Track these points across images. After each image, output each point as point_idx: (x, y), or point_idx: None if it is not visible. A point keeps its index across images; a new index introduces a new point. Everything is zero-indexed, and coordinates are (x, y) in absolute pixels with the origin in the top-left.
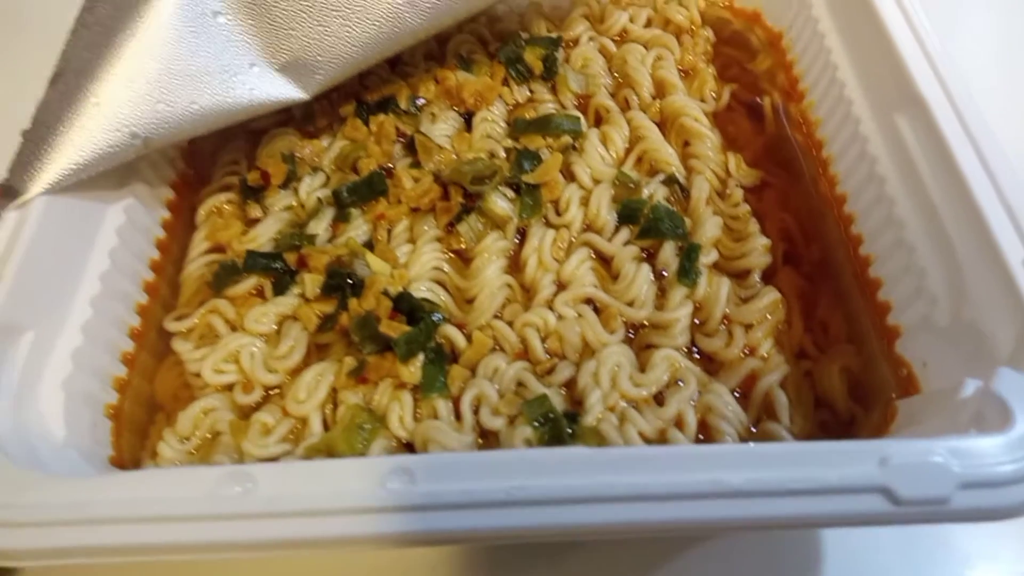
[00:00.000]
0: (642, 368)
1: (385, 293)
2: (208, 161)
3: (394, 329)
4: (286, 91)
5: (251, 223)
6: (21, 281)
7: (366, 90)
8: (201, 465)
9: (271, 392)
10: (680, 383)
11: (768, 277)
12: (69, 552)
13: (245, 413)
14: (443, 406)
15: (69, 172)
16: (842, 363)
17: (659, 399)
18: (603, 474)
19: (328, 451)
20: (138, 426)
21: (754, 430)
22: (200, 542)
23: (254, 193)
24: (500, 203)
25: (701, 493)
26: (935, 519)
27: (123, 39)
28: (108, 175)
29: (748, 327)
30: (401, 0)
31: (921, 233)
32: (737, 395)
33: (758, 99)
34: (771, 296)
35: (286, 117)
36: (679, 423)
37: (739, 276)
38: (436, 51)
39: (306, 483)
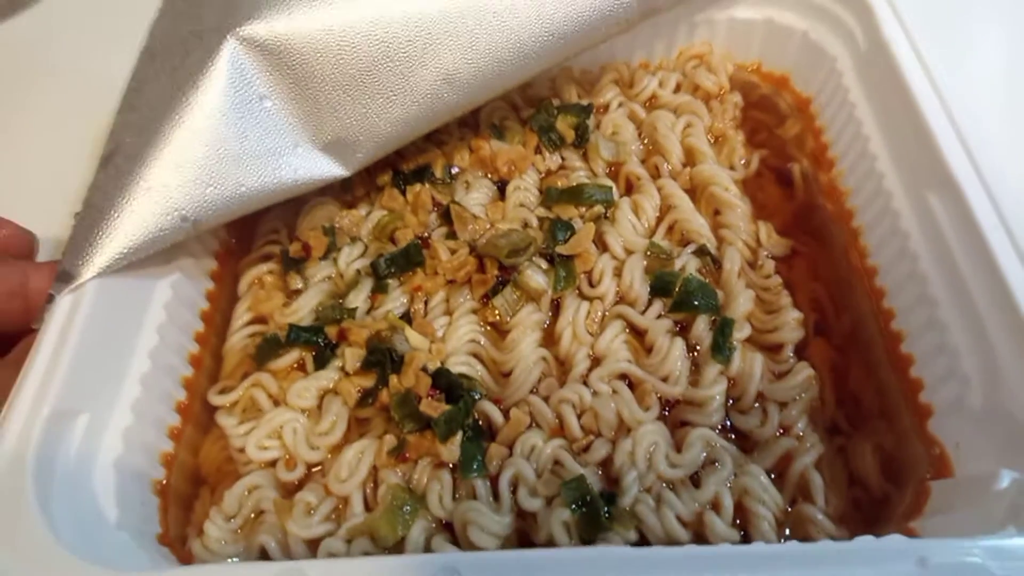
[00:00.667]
0: (677, 447)
1: (423, 369)
2: (249, 229)
3: (433, 408)
4: (328, 169)
5: (292, 294)
6: (76, 366)
7: (402, 159)
8: (256, 563)
9: (313, 469)
10: (716, 463)
11: (799, 348)
12: None
13: (288, 490)
14: (481, 486)
15: (121, 256)
16: (875, 440)
17: (695, 479)
18: (642, 573)
19: (370, 532)
20: (183, 500)
21: (789, 511)
22: None
23: (295, 264)
24: (536, 277)
25: None
26: None
27: (172, 124)
28: (156, 251)
29: (783, 405)
30: (439, 79)
31: (954, 313)
32: (772, 476)
33: (788, 165)
34: (805, 373)
35: (325, 187)
36: (715, 506)
37: (772, 350)
38: (469, 119)
39: None
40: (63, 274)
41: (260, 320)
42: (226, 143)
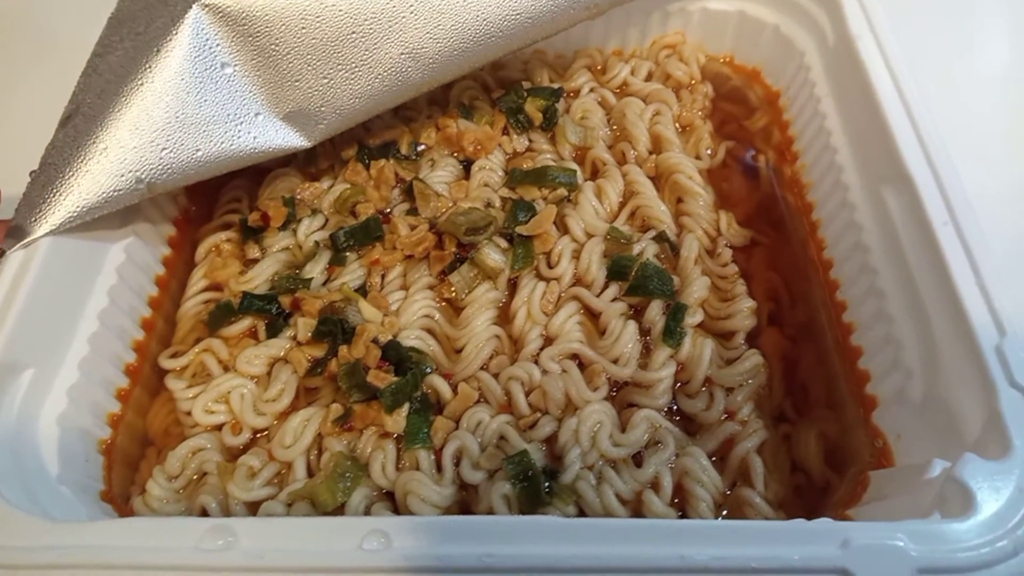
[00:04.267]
0: (623, 427)
1: (375, 341)
2: (210, 197)
3: (381, 380)
4: (290, 139)
5: (249, 263)
6: (24, 321)
7: (368, 133)
8: (188, 517)
9: (259, 435)
10: (659, 444)
11: (753, 336)
12: None
13: (233, 454)
14: (425, 457)
15: (74, 215)
16: (820, 429)
17: (637, 459)
18: (572, 545)
19: (311, 498)
20: (129, 460)
21: (728, 494)
22: None
23: (253, 233)
24: (493, 255)
25: (667, 568)
26: None
27: (132, 87)
28: (112, 214)
29: (729, 390)
30: (404, 54)
31: (901, 306)
32: (714, 459)
33: (753, 157)
34: (754, 360)
35: (289, 157)
36: (655, 485)
37: (724, 337)
38: (439, 96)
39: (285, 540)
40: (15, 229)
41: (215, 287)
42: (184, 108)
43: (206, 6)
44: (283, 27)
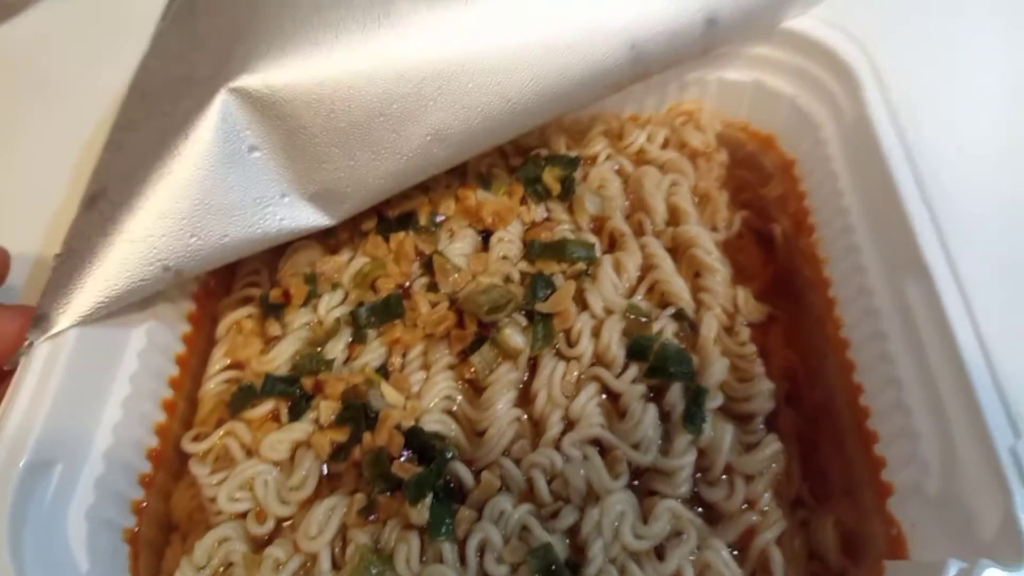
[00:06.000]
0: (644, 516)
1: (397, 427)
2: (229, 270)
3: (405, 470)
4: (314, 219)
5: (270, 340)
6: (53, 416)
7: (388, 205)
8: None
9: (283, 523)
10: (681, 535)
11: (771, 417)
12: None
13: (258, 543)
14: (449, 549)
15: (102, 305)
16: (837, 516)
17: (659, 551)
18: None
19: None
20: (154, 547)
21: None
22: None
23: (275, 310)
24: (515, 337)
25: None
26: None
27: (159, 174)
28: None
29: (749, 478)
30: (429, 135)
31: (919, 398)
32: (733, 551)
33: (769, 227)
34: (774, 447)
35: None
36: None
37: (742, 419)
38: (457, 165)
39: None
40: (41, 318)
41: (237, 366)
42: (213, 195)
43: (234, 90)
44: (311, 110)
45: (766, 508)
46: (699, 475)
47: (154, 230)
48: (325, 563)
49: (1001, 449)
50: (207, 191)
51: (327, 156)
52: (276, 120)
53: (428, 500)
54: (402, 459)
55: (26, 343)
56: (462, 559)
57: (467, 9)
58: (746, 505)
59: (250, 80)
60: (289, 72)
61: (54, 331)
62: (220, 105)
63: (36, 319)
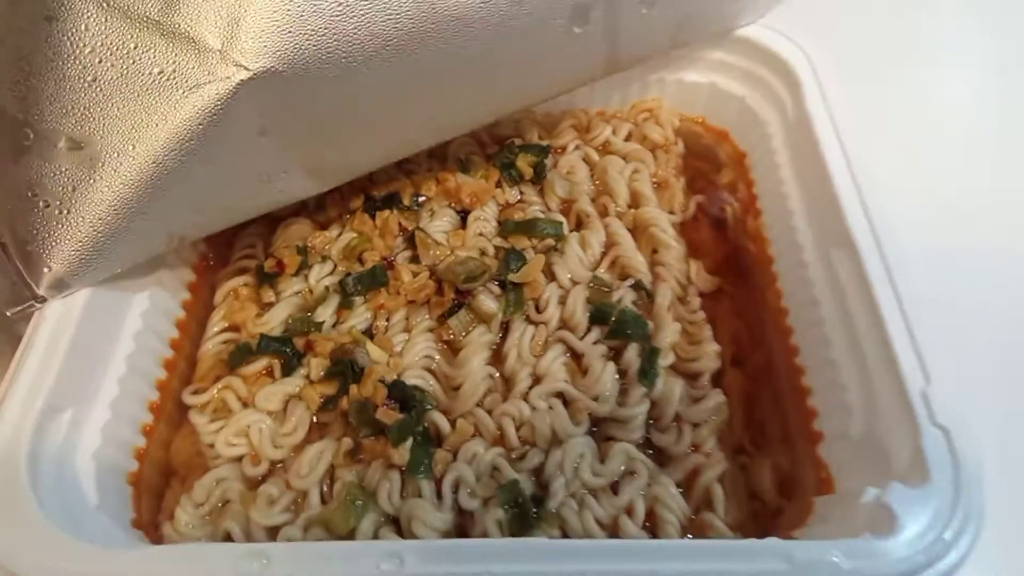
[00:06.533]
0: (602, 458)
1: (381, 381)
2: (227, 244)
3: (388, 416)
4: (308, 188)
5: (265, 306)
6: (63, 368)
7: (373, 185)
8: (225, 543)
9: (276, 465)
10: (634, 474)
11: (717, 376)
12: None
13: (252, 484)
14: (427, 486)
15: (113, 268)
16: (773, 461)
17: (614, 487)
18: (558, 563)
19: (325, 523)
20: (155, 490)
21: (693, 518)
22: None
23: (269, 279)
24: (488, 302)
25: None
26: None
27: (177, 159)
28: (138, 264)
29: (696, 425)
30: (422, 125)
31: (845, 353)
32: (680, 488)
33: (721, 210)
34: (717, 399)
35: (300, 207)
36: (630, 511)
37: (691, 377)
38: (438, 152)
39: (314, 562)
40: (57, 281)
41: (234, 329)
42: (222, 172)
43: (253, 79)
44: (325, 106)
45: (709, 451)
46: (651, 423)
47: (164, 205)
48: (315, 498)
49: (913, 393)
50: (218, 171)
51: (331, 141)
52: (290, 107)
53: (409, 443)
54: (385, 407)
55: (41, 300)
56: (439, 495)
57: None
58: (692, 449)
59: (264, 63)
60: (301, 55)
61: (68, 293)
62: (235, 92)
63: (54, 281)
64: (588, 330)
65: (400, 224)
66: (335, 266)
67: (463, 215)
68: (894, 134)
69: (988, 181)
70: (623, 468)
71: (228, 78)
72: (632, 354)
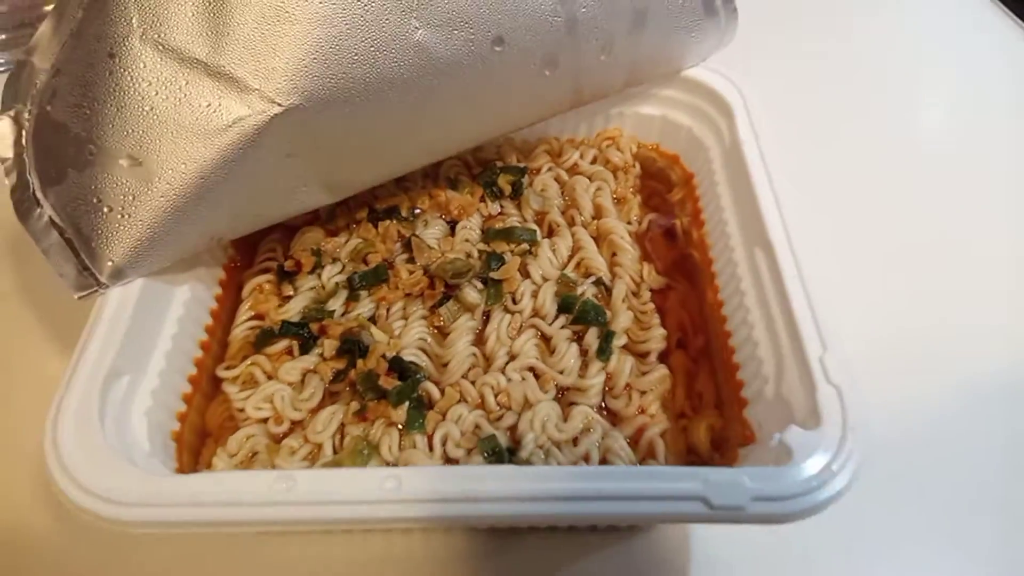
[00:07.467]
0: (565, 419)
1: (383, 356)
2: (251, 248)
3: (389, 383)
4: (323, 200)
5: (285, 299)
6: (124, 341)
7: (376, 199)
8: (259, 470)
9: (296, 425)
10: (591, 430)
11: (664, 356)
12: (170, 524)
13: (276, 439)
14: (420, 440)
15: (163, 263)
16: (708, 422)
17: (575, 442)
18: (528, 482)
19: (337, 467)
20: (193, 448)
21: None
22: (260, 519)
23: (288, 276)
24: (472, 294)
25: (586, 495)
26: (737, 520)
27: (219, 180)
28: (180, 262)
29: (643, 393)
30: (420, 149)
31: (763, 332)
32: (629, 441)
33: (672, 223)
34: (661, 372)
35: (313, 216)
36: (587, 459)
37: (641, 356)
38: (431, 172)
39: (331, 483)
40: (116, 271)
41: (259, 317)
42: (255, 188)
43: (284, 112)
44: (340, 133)
45: (654, 413)
46: (607, 391)
47: (208, 215)
48: (328, 449)
49: (813, 359)
50: (252, 187)
51: (345, 164)
52: (312, 136)
53: (406, 405)
54: (387, 377)
55: (104, 287)
56: (430, 447)
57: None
58: (639, 411)
59: (294, 100)
60: (323, 94)
61: (126, 282)
62: (268, 123)
63: (113, 271)
64: (556, 318)
65: (399, 232)
66: (344, 266)
67: (452, 225)
68: (806, 152)
69: (876, 187)
70: (582, 426)
71: (264, 112)
72: (592, 336)
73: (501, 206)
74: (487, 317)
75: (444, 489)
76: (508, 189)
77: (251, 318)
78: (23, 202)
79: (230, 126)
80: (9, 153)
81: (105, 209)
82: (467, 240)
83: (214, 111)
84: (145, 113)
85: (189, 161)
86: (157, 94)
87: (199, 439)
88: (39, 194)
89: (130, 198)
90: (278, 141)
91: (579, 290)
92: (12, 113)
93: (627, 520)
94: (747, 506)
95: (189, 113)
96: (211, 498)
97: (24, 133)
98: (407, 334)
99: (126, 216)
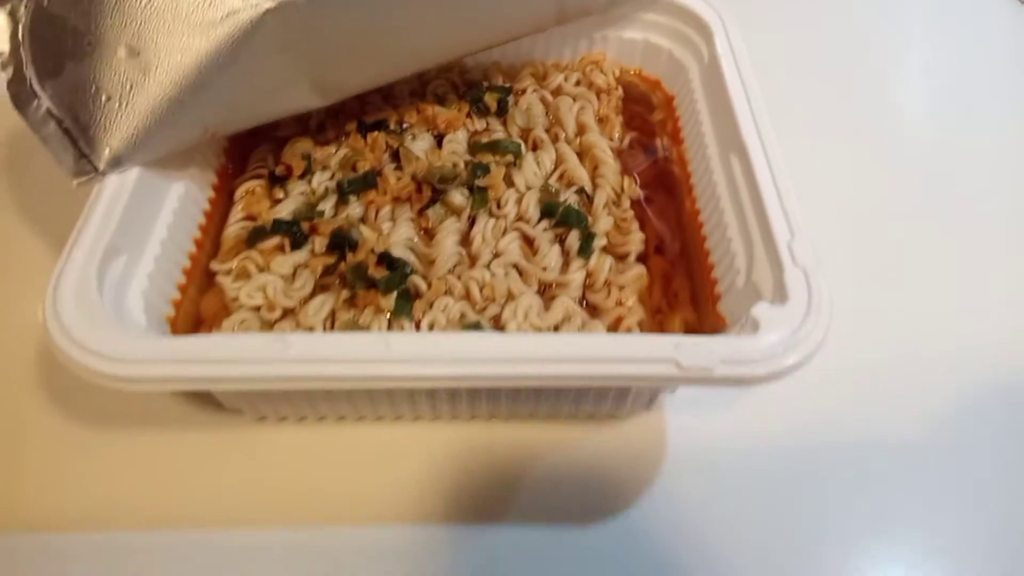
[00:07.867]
0: (547, 310)
1: (372, 251)
2: (242, 157)
3: (379, 272)
4: (313, 102)
5: (276, 202)
6: (124, 220)
7: (365, 113)
8: (255, 332)
9: (288, 312)
10: (571, 320)
11: (642, 260)
12: (169, 380)
13: (268, 326)
14: (408, 326)
15: (159, 153)
16: (682, 316)
17: (556, 330)
18: (506, 345)
19: None
20: (187, 333)
21: None
22: (258, 376)
23: (279, 180)
24: (458, 198)
25: (565, 357)
26: (705, 381)
27: (214, 73)
28: (174, 159)
29: (621, 288)
30: (408, 55)
31: (736, 230)
32: (608, 331)
33: (653, 142)
34: (638, 269)
35: (303, 128)
36: None
37: (621, 258)
38: (419, 89)
39: (322, 345)
40: (115, 159)
41: (251, 218)
42: (250, 82)
43: (277, 7)
44: (329, 31)
45: (631, 306)
46: (587, 287)
47: (203, 106)
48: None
49: (781, 245)
50: (247, 82)
51: (338, 65)
52: (300, 30)
53: (395, 294)
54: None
55: (103, 173)
56: (418, 331)
57: None
58: (617, 303)
59: None
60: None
61: (123, 169)
62: (261, 22)
63: (111, 159)
64: (539, 221)
65: (387, 143)
66: (333, 173)
67: (439, 139)
68: (781, 66)
69: (848, 100)
70: (562, 316)
71: (257, 6)
72: (573, 238)
73: (487, 122)
74: (472, 222)
75: (431, 351)
76: (494, 106)
77: (243, 218)
78: (20, 94)
79: (225, 18)
80: (5, 47)
81: (104, 98)
82: (454, 152)
83: (209, 4)
84: (143, 6)
85: (186, 52)
86: None
87: (194, 327)
88: (36, 86)
89: (128, 87)
90: (271, 36)
91: (562, 197)
92: (8, 7)
93: (602, 380)
94: (715, 367)
95: (186, 7)
96: (211, 355)
97: (20, 27)
98: (395, 233)
99: (124, 104)
